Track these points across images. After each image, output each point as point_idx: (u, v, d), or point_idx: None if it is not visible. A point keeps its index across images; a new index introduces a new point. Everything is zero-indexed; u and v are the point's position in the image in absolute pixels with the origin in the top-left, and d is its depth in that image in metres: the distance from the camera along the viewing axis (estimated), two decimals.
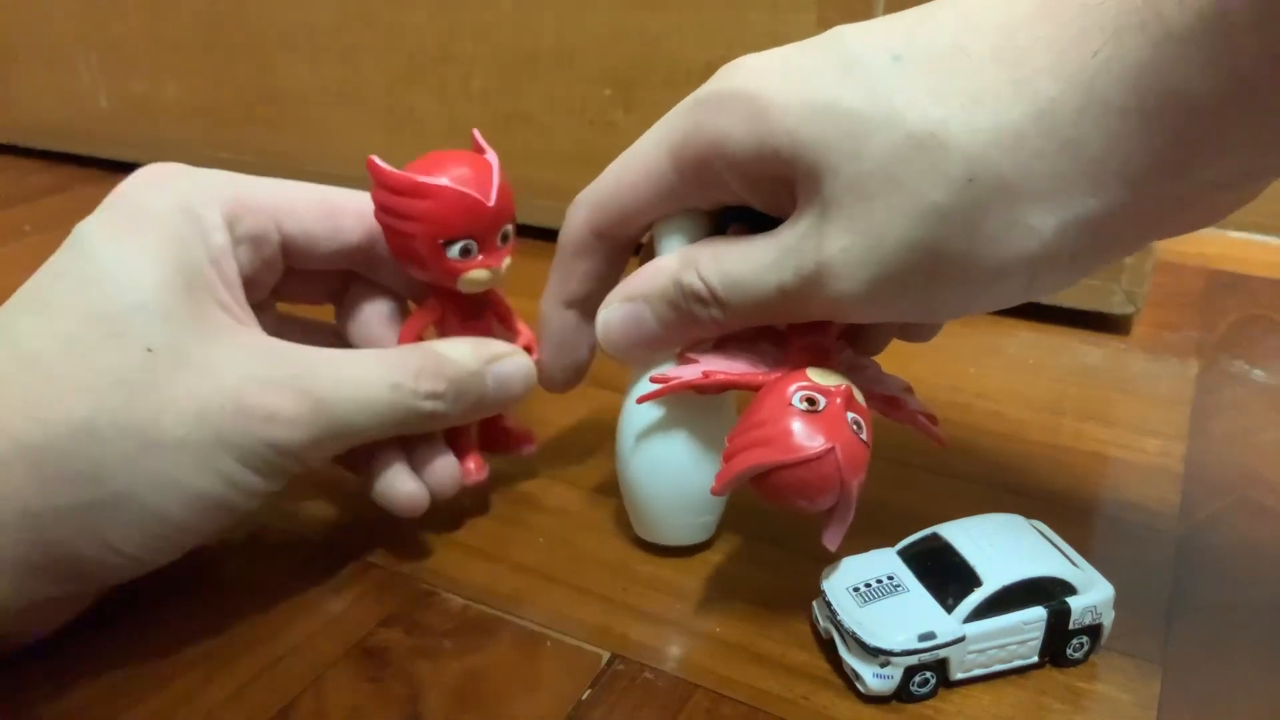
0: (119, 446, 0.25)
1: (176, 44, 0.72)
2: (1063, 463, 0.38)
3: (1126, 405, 0.43)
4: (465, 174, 0.30)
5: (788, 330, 0.30)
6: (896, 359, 0.33)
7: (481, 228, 0.31)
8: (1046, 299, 0.50)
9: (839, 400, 0.27)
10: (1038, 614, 0.27)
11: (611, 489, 0.35)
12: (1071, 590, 0.27)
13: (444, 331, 0.33)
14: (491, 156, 0.32)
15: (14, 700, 0.27)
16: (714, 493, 0.28)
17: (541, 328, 0.34)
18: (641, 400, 0.31)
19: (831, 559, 0.29)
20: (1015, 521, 0.30)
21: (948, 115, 0.24)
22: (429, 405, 0.30)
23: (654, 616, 0.30)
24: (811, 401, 0.27)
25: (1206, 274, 0.57)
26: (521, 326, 0.35)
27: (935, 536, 0.29)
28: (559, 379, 0.34)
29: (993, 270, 0.25)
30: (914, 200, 0.24)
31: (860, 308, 0.26)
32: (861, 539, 0.31)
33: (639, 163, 0.30)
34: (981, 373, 0.45)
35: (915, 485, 0.37)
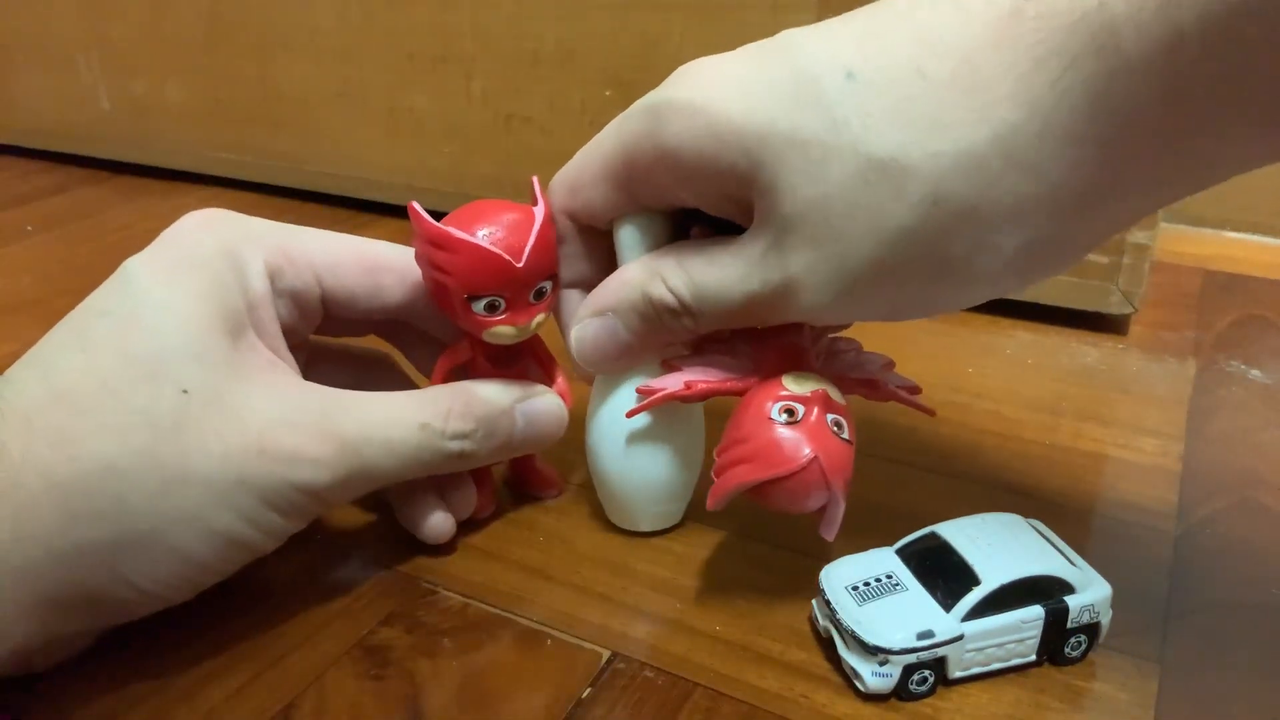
0: (145, 485, 0.25)
1: (177, 44, 0.72)
2: (1061, 462, 0.38)
3: (1124, 405, 0.43)
4: (500, 231, 0.29)
5: (762, 330, 0.31)
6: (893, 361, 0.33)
7: (508, 286, 0.30)
8: (1044, 299, 0.50)
9: (817, 407, 0.28)
10: (1036, 613, 0.27)
11: None
12: (1069, 589, 0.27)
13: (473, 374, 0.33)
14: (539, 210, 0.31)
15: (14, 701, 0.27)
16: (709, 508, 0.29)
17: (554, 315, 0.34)
18: (631, 414, 0.31)
19: (831, 557, 0.30)
20: (1013, 521, 0.30)
21: (908, 140, 0.24)
22: (457, 446, 0.30)
23: (654, 615, 0.31)
24: (790, 412, 0.28)
25: (1204, 274, 0.57)
26: (559, 375, 0.35)
27: (934, 535, 0.29)
28: (579, 367, 0.34)
29: (959, 281, 0.26)
30: (878, 222, 0.24)
31: (829, 316, 0.27)
32: (860, 538, 0.31)
33: (598, 160, 0.30)
34: (980, 373, 0.46)
35: (914, 485, 0.37)
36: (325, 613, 0.31)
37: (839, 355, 0.32)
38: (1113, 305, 0.49)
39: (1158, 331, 0.50)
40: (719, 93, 0.26)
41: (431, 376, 0.33)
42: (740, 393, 0.30)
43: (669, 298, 0.29)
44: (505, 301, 0.30)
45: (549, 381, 0.34)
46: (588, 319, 0.31)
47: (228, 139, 0.73)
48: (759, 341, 0.31)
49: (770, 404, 0.28)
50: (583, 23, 0.56)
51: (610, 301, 0.30)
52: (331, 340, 0.36)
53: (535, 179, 0.32)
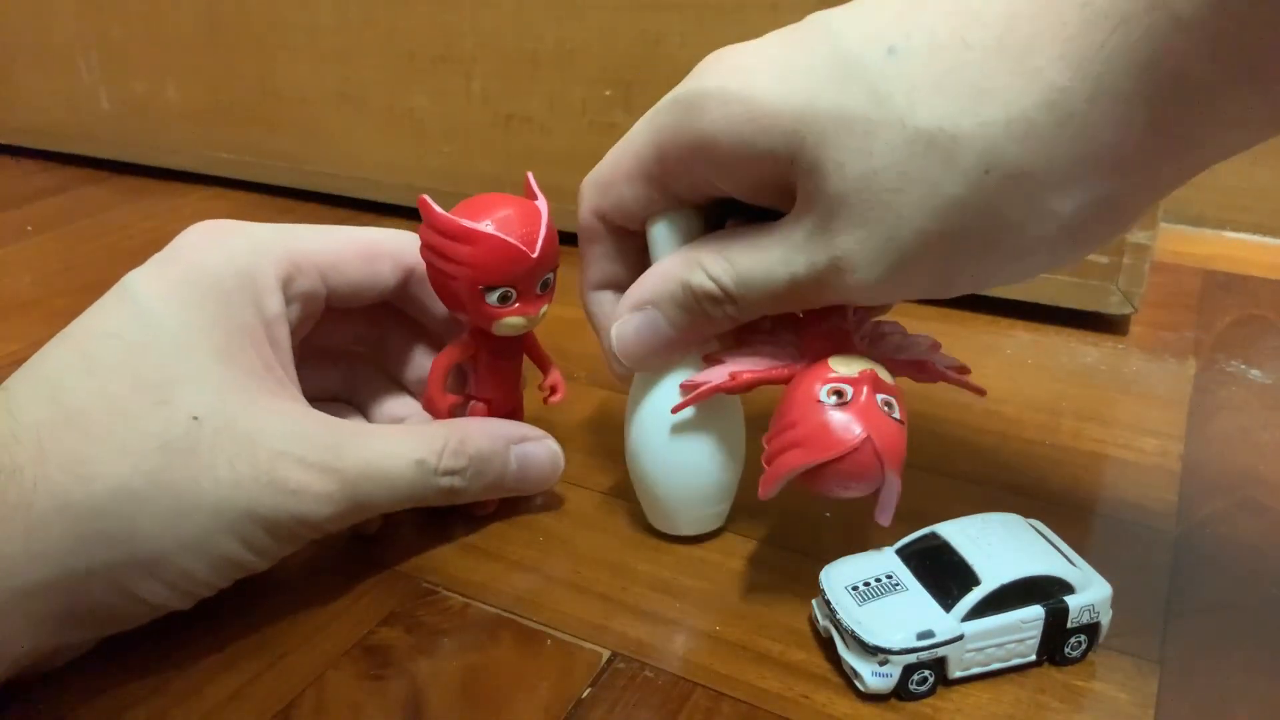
0: (156, 508, 0.25)
1: (177, 45, 0.72)
2: (1061, 462, 0.38)
3: (1124, 405, 0.43)
4: (512, 223, 0.30)
5: (804, 316, 0.30)
6: None
7: (522, 277, 0.31)
8: (1044, 299, 0.50)
9: (866, 387, 0.27)
10: (1036, 613, 0.27)
11: (610, 487, 0.35)
12: (1069, 589, 0.27)
13: (476, 367, 0.34)
14: (541, 203, 0.31)
15: (12, 702, 0.27)
16: (761, 497, 0.28)
17: (587, 317, 0.34)
18: (676, 409, 0.31)
19: (831, 558, 0.30)
20: (1013, 520, 0.30)
21: (956, 109, 0.23)
22: (446, 482, 0.31)
23: (654, 615, 0.31)
24: (839, 394, 0.27)
25: (1204, 274, 0.57)
26: (553, 369, 0.35)
27: (934, 535, 0.29)
28: (616, 367, 0.33)
29: (1013, 250, 0.25)
30: (930, 194, 0.24)
31: (878, 293, 0.27)
32: (860, 538, 0.31)
33: (630, 157, 0.30)
34: (980, 373, 0.45)
35: (914, 485, 0.36)
36: (325, 613, 0.31)
37: (884, 338, 0.32)
38: (1113, 305, 0.49)
39: (1158, 331, 0.50)
40: (754, 78, 0.26)
41: (430, 373, 0.33)
42: (786, 380, 0.29)
43: (710, 285, 0.28)
44: (517, 292, 0.31)
45: (542, 372, 0.35)
46: (628, 314, 0.31)
47: (228, 139, 0.73)
48: (802, 328, 0.30)
49: (818, 386, 0.27)
50: (583, 23, 0.56)
51: (649, 294, 0.30)
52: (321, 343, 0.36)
53: (530, 175, 0.32)
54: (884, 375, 0.28)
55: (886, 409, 0.27)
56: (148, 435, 0.26)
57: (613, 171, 0.30)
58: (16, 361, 0.28)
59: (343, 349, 0.37)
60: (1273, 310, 0.53)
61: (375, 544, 0.34)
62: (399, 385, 0.37)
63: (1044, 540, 0.29)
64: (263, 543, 0.27)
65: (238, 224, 0.31)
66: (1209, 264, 0.59)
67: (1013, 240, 0.25)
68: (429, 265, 0.31)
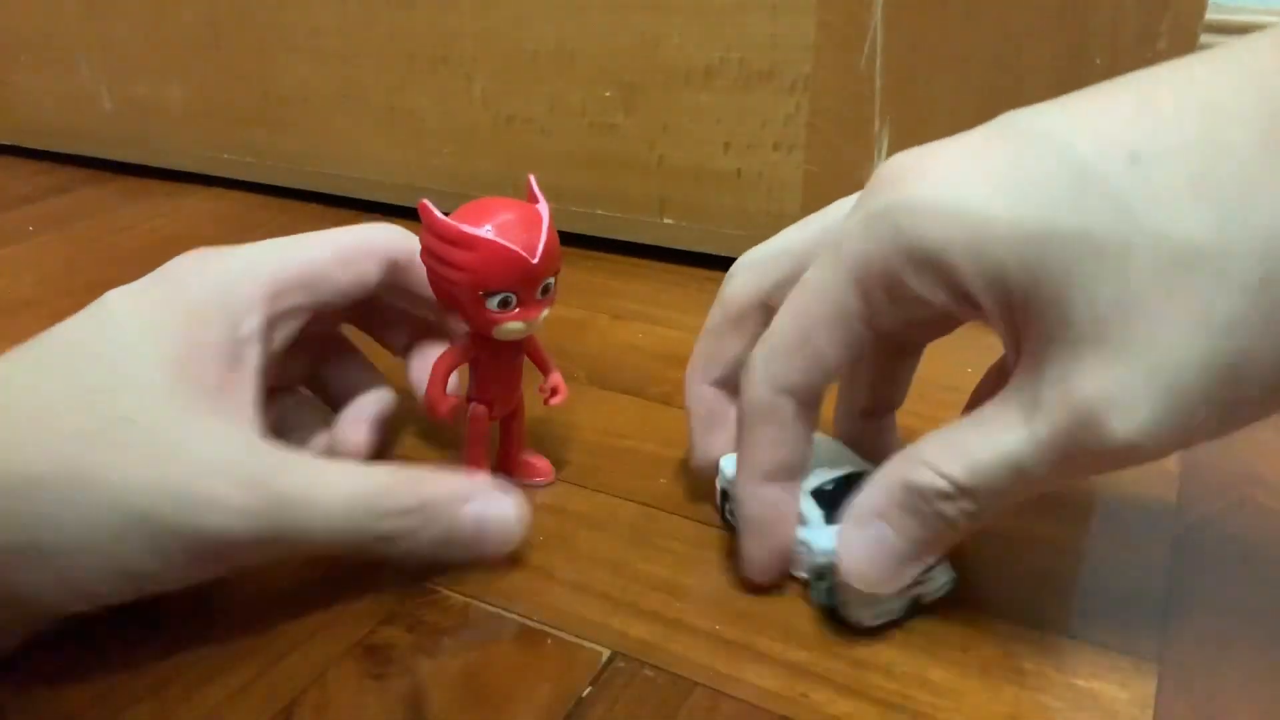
0: (62, 497, 0.25)
1: (178, 45, 0.72)
2: None
3: None
4: (513, 228, 0.30)
5: None
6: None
7: (522, 282, 0.31)
8: None
9: None
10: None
11: (611, 487, 0.35)
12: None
13: (476, 370, 0.34)
14: (543, 207, 0.31)
15: (11, 702, 0.27)
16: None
17: (740, 515, 0.31)
18: None
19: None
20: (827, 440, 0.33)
21: (1221, 217, 0.21)
22: (390, 525, 0.28)
23: (654, 614, 0.31)
24: None
25: None
26: (554, 371, 0.35)
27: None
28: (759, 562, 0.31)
29: None
30: (1202, 314, 0.21)
31: (1147, 444, 0.23)
32: None
33: (827, 306, 0.26)
34: (980, 372, 0.45)
35: None
36: (326, 612, 0.31)
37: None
38: None
39: None
40: (972, 192, 0.23)
41: (430, 376, 0.33)
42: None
43: (934, 480, 0.25)
44: (517, 298, 0.31)
45: (543, 373, 0.35)
46: (853, 531, 0.27)
47: (229, 139, 0.73)
48: None
49: None
50: (583, 23, 0.56)
51: (871, 505, 0.27)
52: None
53: (532, 177, 0.32)
54: None
55: None
56: (71, 426, 0.26)
57: (802, 332, 0.27)
58: None
59: (323, 337, 0.37)
60: None
61: None
62: (373, 373, 0.38)
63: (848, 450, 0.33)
64: (171, 555, 0.26)
65: (226, 249, 0.32)
66: None
67: None
68: (429, 269, 0.31)
